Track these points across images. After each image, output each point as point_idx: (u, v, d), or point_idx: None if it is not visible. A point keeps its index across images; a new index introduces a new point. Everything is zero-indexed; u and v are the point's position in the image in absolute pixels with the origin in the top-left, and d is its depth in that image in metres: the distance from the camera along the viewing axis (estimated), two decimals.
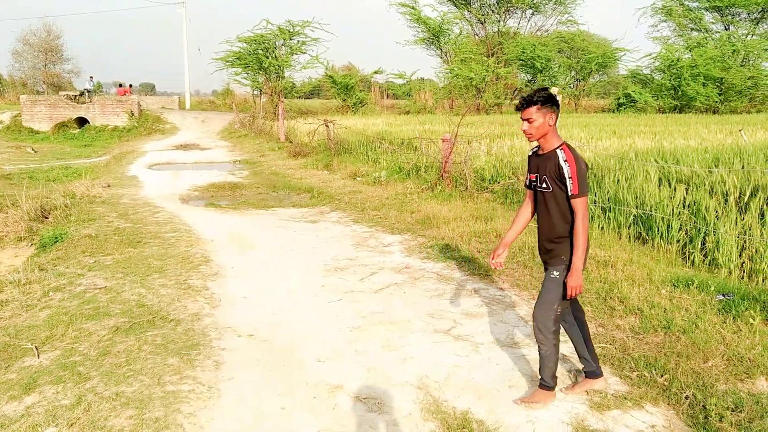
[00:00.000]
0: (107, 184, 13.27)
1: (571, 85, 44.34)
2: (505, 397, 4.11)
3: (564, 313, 3.98)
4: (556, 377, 4.03)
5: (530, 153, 4.01)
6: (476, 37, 45.65)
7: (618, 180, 8.77)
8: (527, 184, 4.05)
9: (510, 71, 41.46)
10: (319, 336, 5.13)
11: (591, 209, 8.51)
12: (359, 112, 37.14)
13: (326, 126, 18.19)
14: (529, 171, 3.99)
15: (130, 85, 40.61)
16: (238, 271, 6.97)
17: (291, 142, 21.74)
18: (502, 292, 6.19)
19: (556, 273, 3.86)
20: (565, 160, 3.70)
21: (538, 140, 3.84)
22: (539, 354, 3.99)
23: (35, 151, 25.57)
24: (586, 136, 15.51)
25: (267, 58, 33.88)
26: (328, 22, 61.40)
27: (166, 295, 5.96)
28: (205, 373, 4.37)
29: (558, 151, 3.75)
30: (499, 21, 45.16)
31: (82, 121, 33.21)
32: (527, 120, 3.78)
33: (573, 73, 44.28)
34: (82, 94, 34.87)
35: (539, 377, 4.03)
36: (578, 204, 3.70)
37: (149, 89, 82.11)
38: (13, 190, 12.38)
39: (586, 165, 3.79)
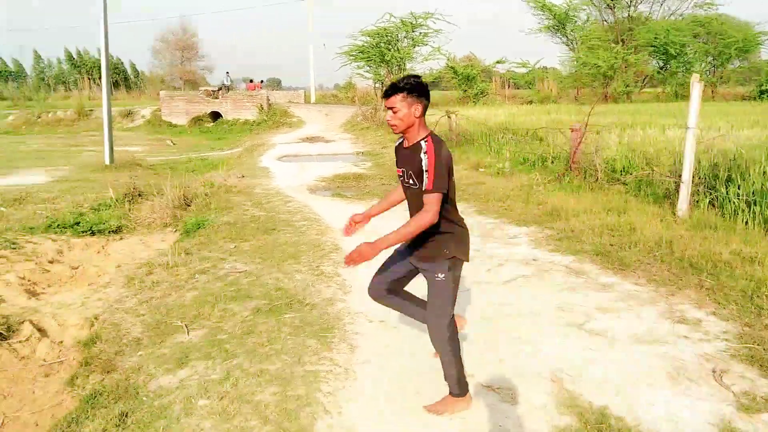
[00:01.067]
0: (241, 175, 13.97)
1: (708, 72, 41.69)
2: (644, 395, 3.97)
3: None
4: (466, 382, 3.82)
5: (396, 143, 3.72)
6: (604, 23, 43.98)
7: (765, 172, 8.19)
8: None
9: (641, 58, 39.61)
10: None
11: (734, 203, 8.01)
12: (480, 102, 36.82)
13: (448, 117, 18.18)
14: (396, 164, 3.68)
15: (261, 81, 42.42)
16: None
17: None
18: (638, 287, 5.96)
19: (441, 275, 3.59)
20: (425, 152, 3.39)
21: (403, 132, 3.52)
22: (440, 361, 3.79)
23: (174, 144, 27.27)
24: (725, 126, 14.56)
25: (389, 50, 34.28)
26: (450, 12, 61.05)
27: (301, 280, 6.22)
28: (341, 355, 4.54)
29: (422, 142, 3.44)
30: (629, 6, 43.26)
31: (215, 115, 35.05)
32: (391, 109, 3.44)
33: (710, 58, 41.62)
34: (219, 89, 36.77)
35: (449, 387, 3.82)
36: (429, 199, 3.36)
37: (276, 84, 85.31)
38: (157, 179, 13.31)
39: (450, 160, 3.47)
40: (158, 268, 6.88)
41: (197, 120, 34.90)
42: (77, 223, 9.22)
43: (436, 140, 3.46)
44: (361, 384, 4.13)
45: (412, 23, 34.34)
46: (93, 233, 8.99)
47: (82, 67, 61.59)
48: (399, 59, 34.68)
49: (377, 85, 37.73)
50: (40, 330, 5.86)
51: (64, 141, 26.73)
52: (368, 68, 36.29)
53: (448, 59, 39.28)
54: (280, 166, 16.74)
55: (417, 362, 4.45)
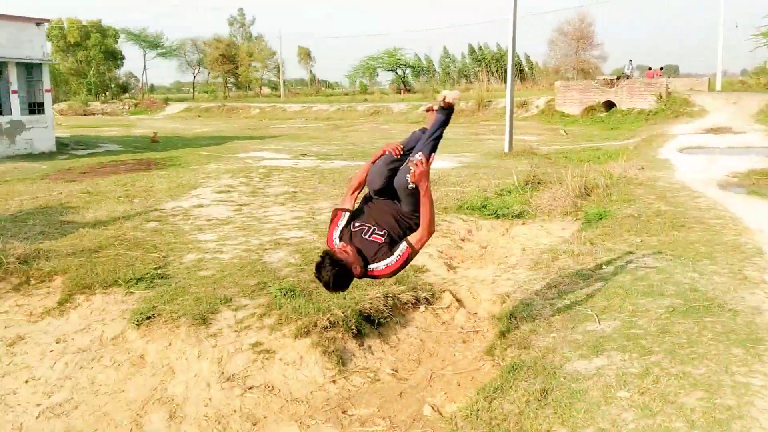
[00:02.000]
0: (641, 167, 13.43)
1: None
2: None
3: None
4: None
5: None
6: None
7: None
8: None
9: None
10: None
11: None
12: None
13: None
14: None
15: (661, 68, 40.09)
16: None
17: None
18: None
19: None
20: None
21: None
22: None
23: (566, 134, 27.46)
24: None
25: None
26: None
27: (720, 283, 5.71)
28: None
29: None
30: None
31: (609, 105, 34.31)
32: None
33: None
34: (619, 77, 35.93)
35: None
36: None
37: (673, 71, 79.84)
38: (554, 168, 13.60)
39: None
40: (563, 255, 7.02)
41: (590, 110, 34.56)
42: (484, 206, 9.95)
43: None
44: None
45: None
46: (497, 216, 9.59)
47: (481, 60, 66.00)
48: None
49: None
50: (458, 300, 6.50)
51: (466, 130, 28.99)
52: None
53: None
54: (683, 158, 15.61)
55: None
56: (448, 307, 6.33)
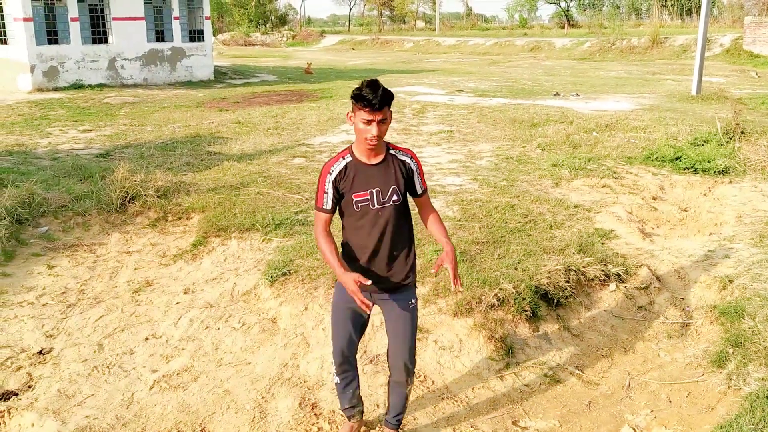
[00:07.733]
0: None
1: None
2: None
3: None
4: None
5: (340, 167, 2.97)
6: None
7: None
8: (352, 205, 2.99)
9: None
10: None
11: None
12: None
13: None
14: (352, 191, 2.96)
15: None
16: None
17: None
18: None
19: (414, 301, 3.19)
20: (410, 158, 3.04)
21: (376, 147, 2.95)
22: (407, 394, 3.34)
23: (758, 76, 24.04)
24: None
25: None
26: None
27: None
28: None
29: (394, 153, 3.02)
30: None
31: None
32: (383, 120, 2.83)
33: None
34: None
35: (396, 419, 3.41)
36: (429, 199, 3.17)
37: None
38: (752, 115, 11.51)
39: None
40: None
41: None
42: (678, 158, 8.29)
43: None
44: None
45: None
46: (695, 171, 7.94)
47: None
48: None
49: None
50: (657, 278, 5.15)
51: (639, 69, 26.13)
52: None
53: None
54: None
55: None
56: (645, 287, 5.01)
